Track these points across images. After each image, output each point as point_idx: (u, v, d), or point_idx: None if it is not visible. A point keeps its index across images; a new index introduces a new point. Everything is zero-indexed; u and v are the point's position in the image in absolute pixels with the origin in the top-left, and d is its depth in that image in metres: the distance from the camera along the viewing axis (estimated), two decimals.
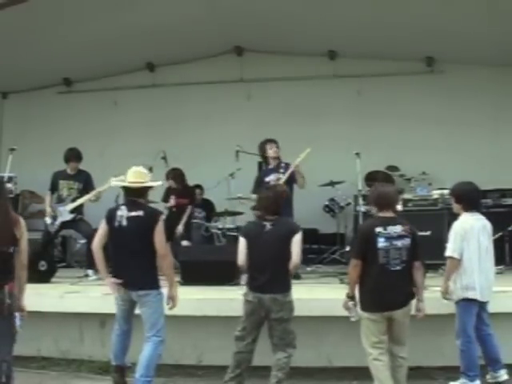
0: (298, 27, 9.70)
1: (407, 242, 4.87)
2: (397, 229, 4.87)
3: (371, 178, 9.31)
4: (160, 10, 9.06)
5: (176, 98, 11.30)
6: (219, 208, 9.90)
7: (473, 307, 5.32)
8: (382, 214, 4.98)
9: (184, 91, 11.26)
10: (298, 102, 10.87)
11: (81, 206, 8.26)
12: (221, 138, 10.42)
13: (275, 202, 5.32)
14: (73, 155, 8.35)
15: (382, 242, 4.83)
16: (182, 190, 9.08)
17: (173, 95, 11.31)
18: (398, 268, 4.83)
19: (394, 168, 10.13)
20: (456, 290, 5.34)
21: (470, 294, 5.28)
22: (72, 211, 8.19)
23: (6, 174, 9.32)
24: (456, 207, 5.48)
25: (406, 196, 8.87)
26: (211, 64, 11.11)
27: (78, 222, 8.29)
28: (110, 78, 11.43)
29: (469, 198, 5.46)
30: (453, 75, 10.28)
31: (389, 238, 4.84)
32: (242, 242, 5.27)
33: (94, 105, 11.50)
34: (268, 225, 5.22)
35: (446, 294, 5.41)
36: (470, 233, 5.31)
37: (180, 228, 8.79)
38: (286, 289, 5.17)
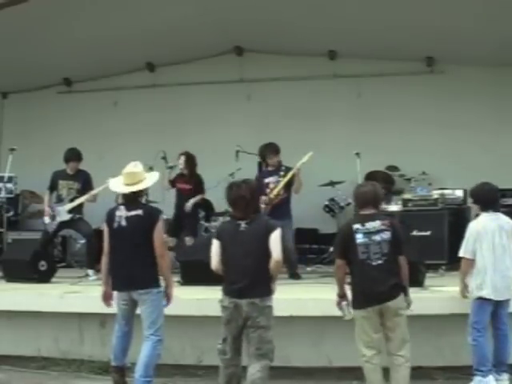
0: (298, 27, 9.70)
1: (387, 235, 4.92)
2: (376, 224, 4.94)
3: (371, 177, 9.29)
4: (160, 9, 9.05)
5: (176, 98, 11.29)
6: (219, 208, 9.90)
7: (487, 306, 5.34)
8: (361, 212, 5.07)
9: (184, 91, 11.26)
10: (298, 102, 10.86)
11: (80, 205, 8.27)
12: (221, 138, 10.41)
13: (248, 199, 4.88)
14: (73, 155, 8.35)
15: (360, 238, 4.91)
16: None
17: (173, 95, 11.30)
18: (380, 262, 4.87)
19: (393, 168, 10.13)
20: (472, 289, 5.40)
21: (484, 293, 5.32)
22: (70, 211, 8.20)
23: (6, 174, 9.34)
24: (475, 208, 5.58)
25: (406, 196, 8.88)
26: (211, 64, 11.10)
27: (77, 221, 8.30)
28: (110, 77, 11.42)
29: (485, 198, 5.55)
30: (453, 75, 10.27)
31: (367, 234, 4.91)
32: (215, 245, 4.92)
33: (94, 105, 11.50)
34: (243, 224, 4.83)
35: (463, 292, 5.46)
36: (483, 234, 5.38)
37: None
38: (266, 293, 4.80)
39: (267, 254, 4.76)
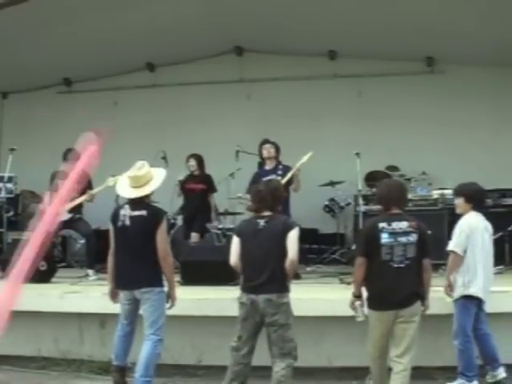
0: (298, 27, 9.71)
1: (413, 238, 4.76)
2: (402, 225, 4.77)
3: (371, 177, 9.32)
4: (160, 9, 9.06)
5: (176, 98, 11.30)
6: (220, 208, 9.89)
7: (471, 306, 5.29)
8: (387, 211, 4.92)
9: (184, 91, 11.26)
10: (298, 101, 10.87)
11: (80, 205, 8.27)
12: (221, 138, 10.41)
13: (269, 198, 5.01)
14: (71, 156, 8.36)
15: (385, 238, 4.73)
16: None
17: (173, 95, 11.31)
18: (402, 265, 4.72)
19: (393, 168, 10.13)
20: (456, 288, 5.31)
21: (472, 291, 5.24)
22: (70, 211, 8.20)
23: (6, 174, 9.34)
24: (464, 206, 5.41)
25: None
26: (211, 64, 11.11)
27: (76, 221, 8.31)
28: (110, 77, 11.43)
29: (479, 198, 5.51)
30: (453, 75, 10.28)
31: (393, 234, 4.74)
32: (235, 241, 5.04)
33: (94, 105, 11.49)
34: (262, 222, 4.94)
35: (448, 288, 5.35)
36: (476, 231, 5.30)
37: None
38: (282, 289, 4.85)
39: (284, 252, 4.83)
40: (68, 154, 8.38)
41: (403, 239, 4.75)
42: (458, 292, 5.31)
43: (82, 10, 8.75)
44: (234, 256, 5.03)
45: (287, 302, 4.87)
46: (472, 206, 5.41)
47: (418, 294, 4.82)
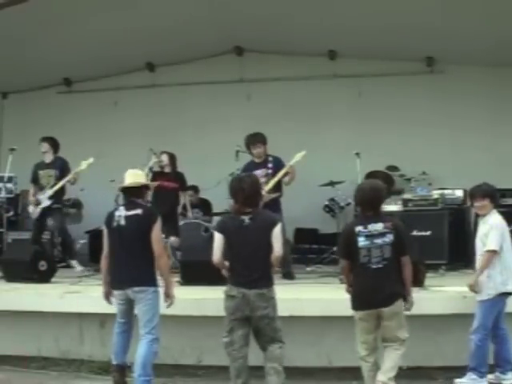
0: (298, 27, 9.71)
1: (389, 238, 4.86)
2: (378, 226, 4.88)
3: (371, 177, 9.29)
4: (160, 10, 9.06)
5: (176, 98, 11.30)
6: (219, 208, 9.90)
7: (501, 303, 5.33)
8: (364, 213, 5.04)
9: (184, 91, 11.26)
10: (298, 101, 10.87)
11: (61, 193, 8.44)
12: (221, 137, 10.40)
13: (251, 193, 5.01)
14: (46, 138, 8.64)
15: (362, 241, 4.87)
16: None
17: (173, 95, 11.31)
18: (380, 266, 4.84)
19: (393, 168, 10.13)
20: (496, 285, 5.28)
21: (509, 288, 5.29)
22: (51, 197, 8.33)
23: (6, 174, 9.36)
24: (489, 207, 5.48)
25: (406, 196, 8.87)
26: (211, 64, 11.11)
27: (54, 210, 8.49)
28: (110, 77, 11.43)
29: (498, 197, 5.68)
30: (453, 75, 10.28)
31: (369, 237, 4.86)
32: (219, 238, 5.01)
33: (94, 105, 11.50)
34: (246, 219, 4.95)
35: (475, 286, 5.30)
36: (506, 229, 5.42)
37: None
38: (271, 284, 5.00)
39: (271, 247, 4.92)
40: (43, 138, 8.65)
41: (379, 241, 4.86)
42: (498, 289, 5.29)
43: (82, 11, 8.75)
44: (218, 253, 5.01)
45: (275, 297, 5.01)
46: (494, 205, 5.53)
47: (399, 292, 4.91)
